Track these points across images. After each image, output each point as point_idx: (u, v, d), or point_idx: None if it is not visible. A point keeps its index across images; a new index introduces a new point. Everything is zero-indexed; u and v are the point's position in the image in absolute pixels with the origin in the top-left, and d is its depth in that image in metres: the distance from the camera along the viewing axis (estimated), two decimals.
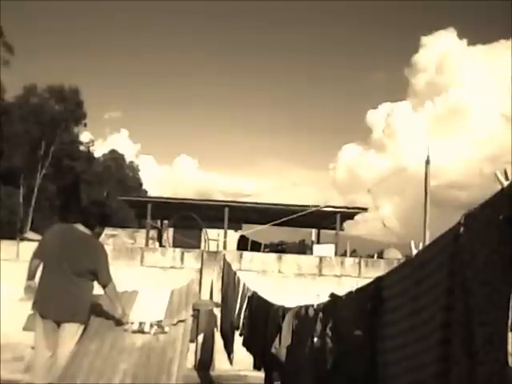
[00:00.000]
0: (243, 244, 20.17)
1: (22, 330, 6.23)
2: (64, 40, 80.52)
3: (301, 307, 3.63)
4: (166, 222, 23.32)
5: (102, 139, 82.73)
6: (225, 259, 8.67)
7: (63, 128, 42.38)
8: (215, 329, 8.74)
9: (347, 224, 22.48)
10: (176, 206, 19.57)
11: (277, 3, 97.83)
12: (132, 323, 5.20)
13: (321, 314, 3.06)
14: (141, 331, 5.12)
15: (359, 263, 10.04)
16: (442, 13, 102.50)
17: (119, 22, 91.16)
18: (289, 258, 10.25)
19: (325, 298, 3.10)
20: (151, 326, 5.19)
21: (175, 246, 18.42)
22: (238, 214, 20.21)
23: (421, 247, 10.12)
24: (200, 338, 8.64)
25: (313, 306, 3.31)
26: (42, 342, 4.83)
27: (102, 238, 5.55)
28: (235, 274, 7.15)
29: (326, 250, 16.97)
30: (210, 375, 8.63)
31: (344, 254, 18.85)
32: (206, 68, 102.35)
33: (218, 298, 8.62)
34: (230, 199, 21.41)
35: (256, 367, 5.40)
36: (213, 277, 9.25)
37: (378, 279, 2.32)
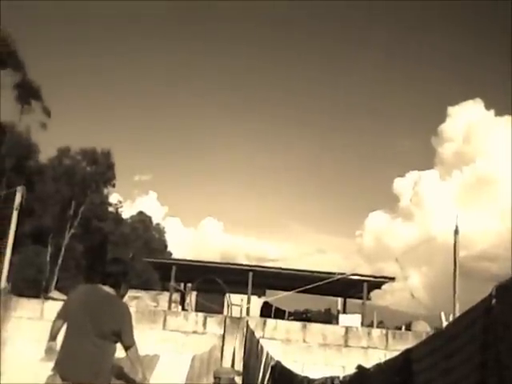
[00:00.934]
0: (266, 311, 19.83)
1: None
2: (98, 104, 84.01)
3: (326, 378, 3.52)
4: (189, 285, 23.19)
5: (130, 201, 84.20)
6: (248, 326, 8.53)
7: (93, 189, 43.44)
8: None
9: (374, 294, 21.99)
10: (200, 269, 19.50)
11: (302, 66, 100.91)
12: None
13: None
14: None
15: (386, 335, 9.74)
16: (470, 84, 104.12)
17: (152, 88, 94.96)
18: (314, 327, 10.01)
19: (350, 370, 3.00)
20: None
21: (197, 309, 18.21)
22: (262, 280, 20.00)
23: (451, 319, 9.80)
24: None
25: (338, 377, 3.21)
26: None
27: (125, 300, 5.53)
28: (258, 341, 7.00)
29: (352, 320, 16.55)
30: None
31: (371, 325, 18.32)
32: (233, 133, 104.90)
33: (239, 365, 8.41)
34: (254, 263, 21.31)
35: None
36: (235, 343, 9.06)
37: (407, 351, 2.25)
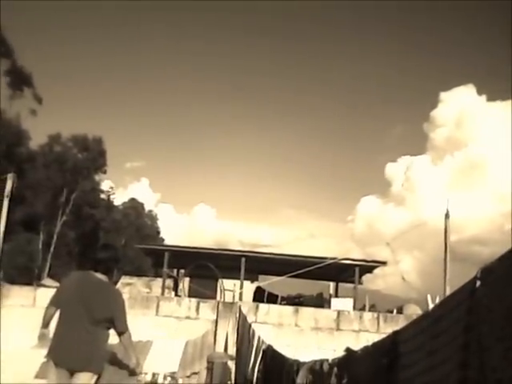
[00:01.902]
0: (259, 295, 19.92)
1: (34, 377, 6.18)
2: (89, 90, 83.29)
3: (315, 362, 3.57)
4: (182, 271, 23.24)
5: (122, 188, 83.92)
6: (240, 311, 8.58)
7: (85, 176, 43.24)
8: (229, 382, 8.55)
9: (366, 278, 22.17)
10: (192, 255, 19.54)
11: (289, 54, 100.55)
12: (145, 373, 5.14)
13: (336, 369, 3.00)
14: (154, 382, 5.05)
15: (378, 318, 9.84)
16: (462, 69, 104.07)
17: (144, 74, 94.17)
18: (306, 311, 10.09)
19: (341, 353, 3.05)
20: (164, 377, 5.12)
21: (191, 295, 18.28)
22: (255, 265, 20.08)
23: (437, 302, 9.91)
24: None
25: (328, 360, 3.26)
26: None
27: (117, 286, 5.55)
28: (250, 326, 7.06)
29: (344, 304, 16.69)
30: None
31: (362, 309, 18.48)
32: (226, 120, 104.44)
33: (233, 350, 8.48)
34: (247, 249, 21.38)
35: None
36: (228, 328, 9.12)
37: (395, 333, 2.28)
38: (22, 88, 38.23)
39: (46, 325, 5.00)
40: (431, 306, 9.65)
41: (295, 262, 18.95)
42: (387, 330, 9.24)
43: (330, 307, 16.78)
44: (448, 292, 12.69)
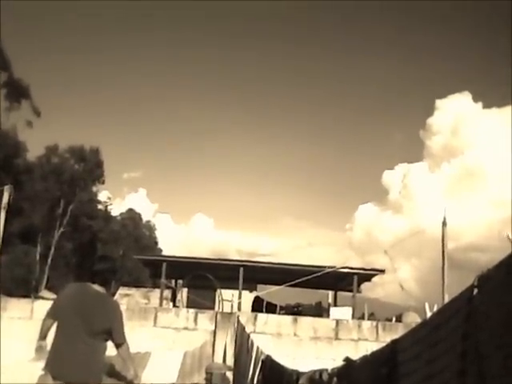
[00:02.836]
0: (258, 305, 19.88)
1: None
2: (86, 101, 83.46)
3: (315, 371, 3.55)
4: (180, 281, 23.17)
5: (120, 198, 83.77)
6: (239, 321, 8.55)
7: (82, 187, 43.20)
8: None
9: (364, 286, 22.12)
10: (190, 266, 19.49)
11: (288, 61, 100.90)
12: None
13: (335, 379, 2.98)
14: None
15: (376, 327, 9.82)
16: (457, 77, 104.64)
17: (140, 84, 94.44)
18: (305, 320, 10.06)
19: (340, 363, 3.03)
20: None
21: (189, 306, 18.21)
22: (253, 274, 20.03)
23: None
24: None
25: (327, 370, 3.24)
26: None
27: (115, 298, 5.54)
28: (249, 336, 7.03)
29: (343, 312, 16.65)
30: None
31: (361, 318, 18.44)
32: (224, 130, 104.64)
33: (231, 361, 8.43)
34: (245, 259, 21.32)
35: None
36: (226, 339, 9.08)
37: (393, 342, 2.28)
38: (19, 100, 38.29)
39: (43, 337, 4.98)
40: (429, 314, 9.62)
41: (294, 271, 18.90)
42: (386, 338, 9.20)
43: (328, 316, 16.74)
44: (446, 300, 12.68)
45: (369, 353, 2.55)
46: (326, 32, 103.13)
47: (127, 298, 22.30)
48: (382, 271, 19.13)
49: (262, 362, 5.78)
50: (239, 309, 17.30)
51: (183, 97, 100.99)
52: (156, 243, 60.22)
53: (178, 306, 19.71)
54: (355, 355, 2.95)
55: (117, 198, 71.56)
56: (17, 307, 9.25)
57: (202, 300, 19.32)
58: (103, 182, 46.31)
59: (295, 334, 9.56)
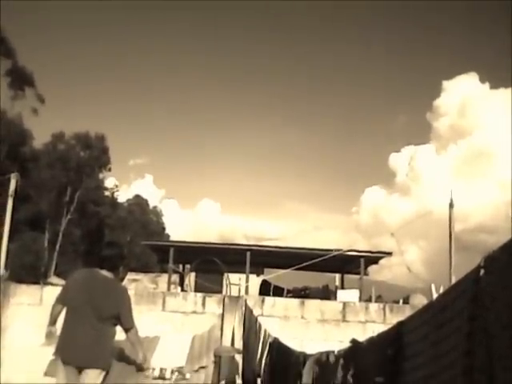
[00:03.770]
0: (265, 289, 19.95)
1: (43, 375, 6.21)
2: (92, 88, 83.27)
3: (322, 353, 3.57)
4: (187, 266, 23.29)
5: (126, 185, 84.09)
6: (246, 304, 8.59)
7: (88, 174, 43.30)
8: (237, 376, 8.57)
9: (372, 269, 22.14)
10: (198, 250, 19.58)
11: (288, 49, 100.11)
12: (153, 369, 5.16)
13: (342, 361, 3.00)
14: (162, 377, 5.07)
15: (384, 309, 9.83)
16: (464, 58, 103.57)
17: (145, 71, 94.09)
18: (312, 303, 10.08)
19: (347, 345, 3.05)
20: (172, 372, 5.14)
21: (197, 290, 18.32)
22: (260, 258, 20.10)
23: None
24: None
25: (334, 352, 3.26)
26: None
27: (124, 283, 5.58)
28: (257, 319, 7.07)
29: (350, 295, 16.69)
30: None
31: (369, 300, 18.49)
32: (229, 115, 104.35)
33: (239, 344, 8.48)
34: (252, 243, 21.39)
35: None
36: (234, 322, 9.13)
37: (399, 324, 2.28)
38: (23, 88, 38.28)
39: (53, 322, 5.03)
40: (435, 295, 9.63)
41: (300, 254, 18.94)
42: (393, 320, 9.21)
43: (336, 299, 16.79)
44: (453, 281, 12.69)
45: (375, 334, 2.55)
46: (331, 20, 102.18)
47: (135, 283, 22.44)
48: (389, 254, 19.13)
49: (270, 344, 5.83)
50: (246, 292, 17.39)
51: (189, 85, 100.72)
52: (163, 229, 60.49)
53: (185, 291, 19.83)
54: (362, 337, 2.96)
55: (123, 185, 71.92)
56: (26, 293, 9.32)
57: (209, 284, 19.43)
58: (110, 170, 46.43)
59: (302, 317, 9.60)
